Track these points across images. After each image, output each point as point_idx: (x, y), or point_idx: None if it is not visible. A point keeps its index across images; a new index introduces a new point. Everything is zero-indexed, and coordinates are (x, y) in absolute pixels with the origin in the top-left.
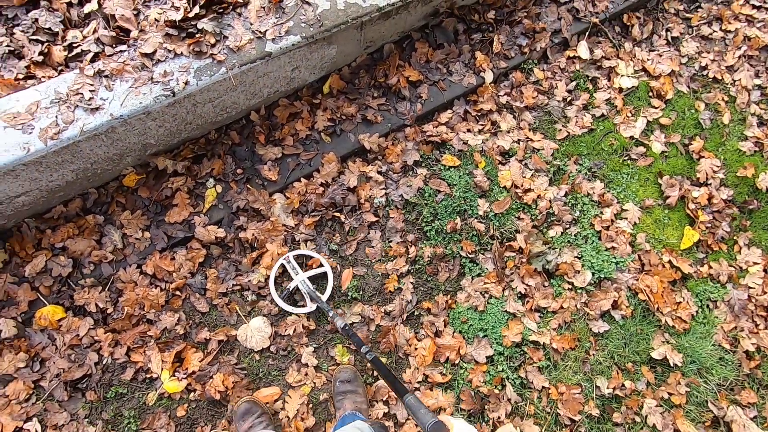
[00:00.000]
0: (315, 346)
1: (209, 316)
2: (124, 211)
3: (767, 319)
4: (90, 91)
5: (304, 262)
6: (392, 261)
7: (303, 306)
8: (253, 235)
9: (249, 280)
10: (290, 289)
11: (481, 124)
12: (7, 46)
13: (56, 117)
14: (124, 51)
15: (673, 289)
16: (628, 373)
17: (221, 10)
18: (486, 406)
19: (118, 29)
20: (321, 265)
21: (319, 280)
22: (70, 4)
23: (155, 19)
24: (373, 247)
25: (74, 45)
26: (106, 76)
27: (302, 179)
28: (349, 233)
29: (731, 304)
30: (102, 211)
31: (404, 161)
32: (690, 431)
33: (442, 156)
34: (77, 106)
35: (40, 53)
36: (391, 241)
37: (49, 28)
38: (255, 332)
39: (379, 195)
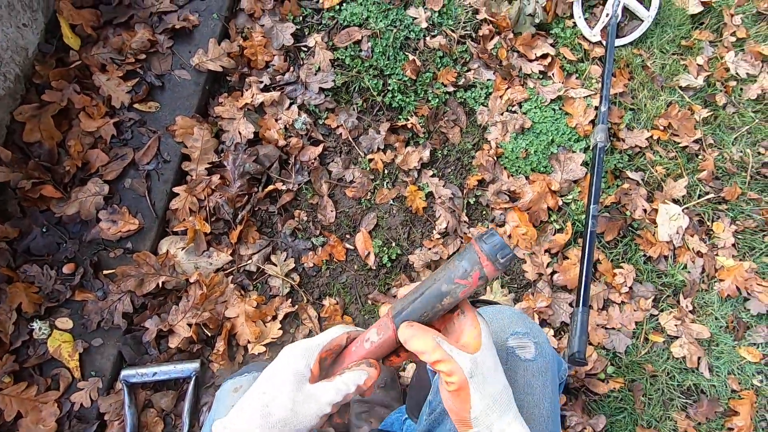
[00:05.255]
0: None
1: None
2: None
3: None
4: None
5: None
6: (386, 175)
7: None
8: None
9: None
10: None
11: None
12: None
13: None
14: None
15: None
16: None
17: None
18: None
19: None
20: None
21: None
22: None
23: None
24: (351, 183)
25: None
26: None
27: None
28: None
29: None
30: None
31: (277, 50)
32: None
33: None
34: None
35: None
36: (364, 156)
37: None
38: None
39: (293, 116)
